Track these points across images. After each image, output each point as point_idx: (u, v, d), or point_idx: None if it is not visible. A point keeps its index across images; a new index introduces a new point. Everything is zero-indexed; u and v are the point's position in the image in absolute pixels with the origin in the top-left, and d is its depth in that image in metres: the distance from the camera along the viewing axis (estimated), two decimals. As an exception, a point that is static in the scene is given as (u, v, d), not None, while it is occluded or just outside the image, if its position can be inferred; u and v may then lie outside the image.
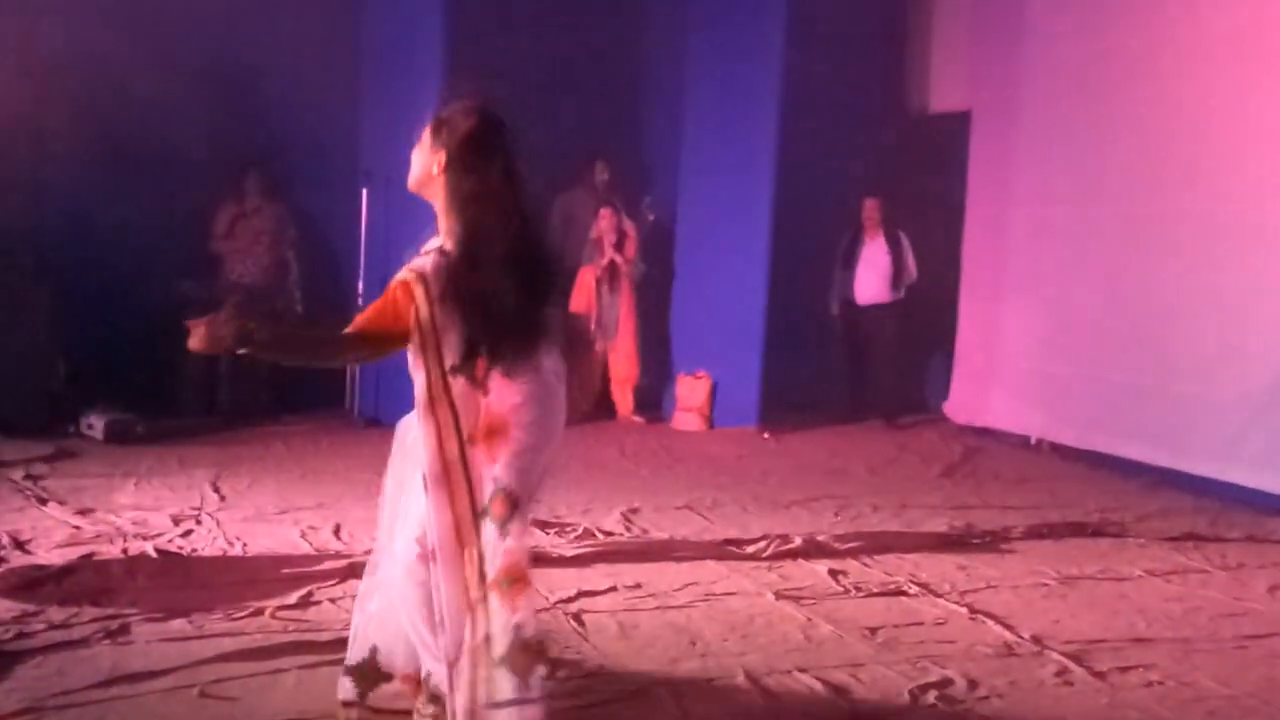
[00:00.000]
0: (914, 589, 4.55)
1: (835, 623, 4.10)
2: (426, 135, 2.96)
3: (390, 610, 2.91)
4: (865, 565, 4.87)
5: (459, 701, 2.67)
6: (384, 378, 7.82)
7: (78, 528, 4.90)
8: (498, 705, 2.63)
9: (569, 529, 5.17)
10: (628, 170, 8.97)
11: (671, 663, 3.67)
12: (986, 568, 4.91)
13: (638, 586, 4.41)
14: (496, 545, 2.67)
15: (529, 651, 2.65)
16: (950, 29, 8.98)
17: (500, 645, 2.63)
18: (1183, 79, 6.89)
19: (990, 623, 4.17)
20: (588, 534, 5.10)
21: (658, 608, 4.20)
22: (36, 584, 4.07)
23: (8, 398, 6.73)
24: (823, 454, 7.51)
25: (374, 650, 2.97)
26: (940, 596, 4.47)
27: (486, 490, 2.71)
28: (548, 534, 5.09)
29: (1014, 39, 8.20)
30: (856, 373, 8.90)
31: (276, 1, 7.63)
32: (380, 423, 7.71)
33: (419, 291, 2.78)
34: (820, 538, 5.14)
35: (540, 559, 4.67)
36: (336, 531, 5.05)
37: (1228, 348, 6.58)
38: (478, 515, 2.71)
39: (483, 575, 2.67)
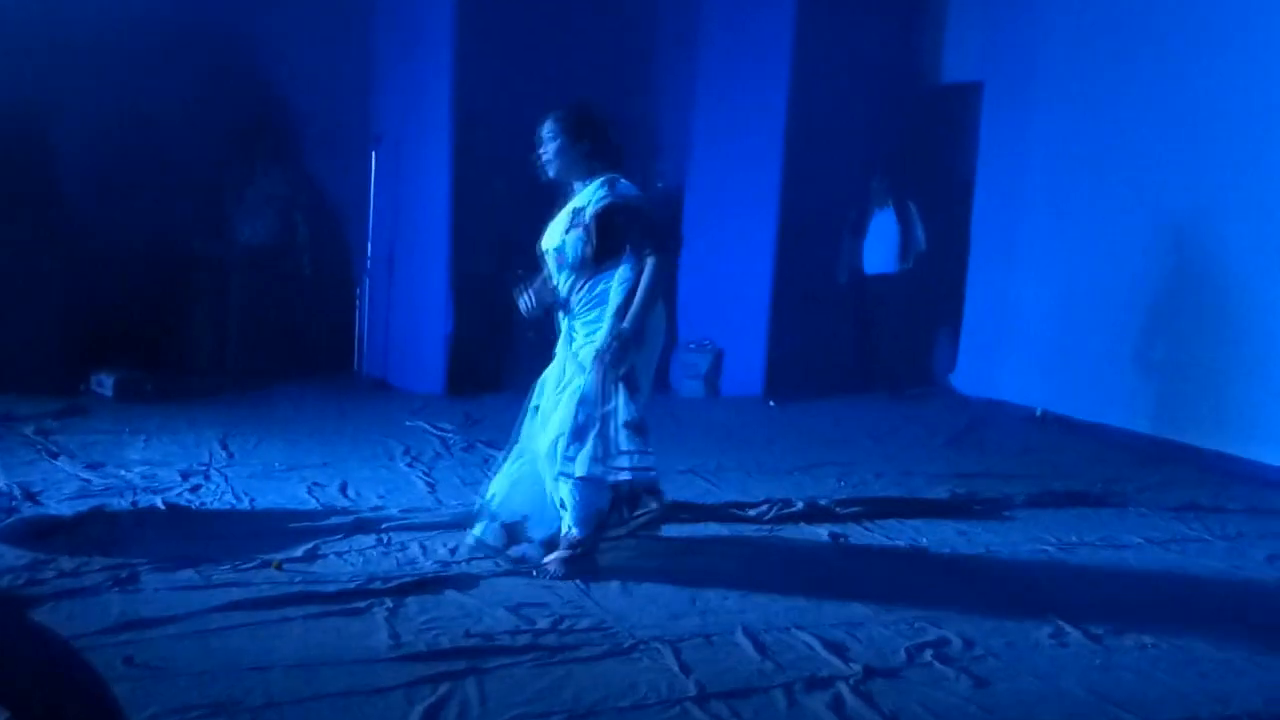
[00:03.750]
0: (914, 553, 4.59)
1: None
2: (563, 134, 4.13)
3: (536, 487, 4.17)
4: (866, 530, 4.91)
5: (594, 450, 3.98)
6: (392, 340, 7.87)
7: (88, 481, 4.97)
8: (622, 452, 4.01)
9: (573, 490, 5.21)
10: (637, 140, 8.96)
11: (671, 619, 3.72)
12: (987, 534, 4.95)
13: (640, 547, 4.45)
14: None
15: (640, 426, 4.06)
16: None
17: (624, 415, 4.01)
18: (1199, 50, 6.86)
19: (989, 586, 4.21)
20: (592, 495, 5.13)
21: (660, 569, 4.24)
22: (47, 533, 4.13)
23: (20, 355, 6.78)
24: (828, 423, 7.53)
25: (525, 518, 4.18)
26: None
27: None
28: (552, 494, 5.14)
29: (1027, 10, 8.16)
30: (864, 343, 8.91)
31: (288, -36, 7.63)
32: (388, 384, 7.78)
33: None
34: (822, 502, 5.18)
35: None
36: (343, 489, 5.10)
37: (1235, 322, 6.59)
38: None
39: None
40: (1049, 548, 4.79)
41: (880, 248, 8.62)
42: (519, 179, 8.63)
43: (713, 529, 4.79)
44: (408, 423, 6.61)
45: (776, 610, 3.84)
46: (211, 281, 7.69)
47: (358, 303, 8.00)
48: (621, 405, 4.01)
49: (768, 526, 4.87)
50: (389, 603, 3.69)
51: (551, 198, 8.92)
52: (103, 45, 7.08)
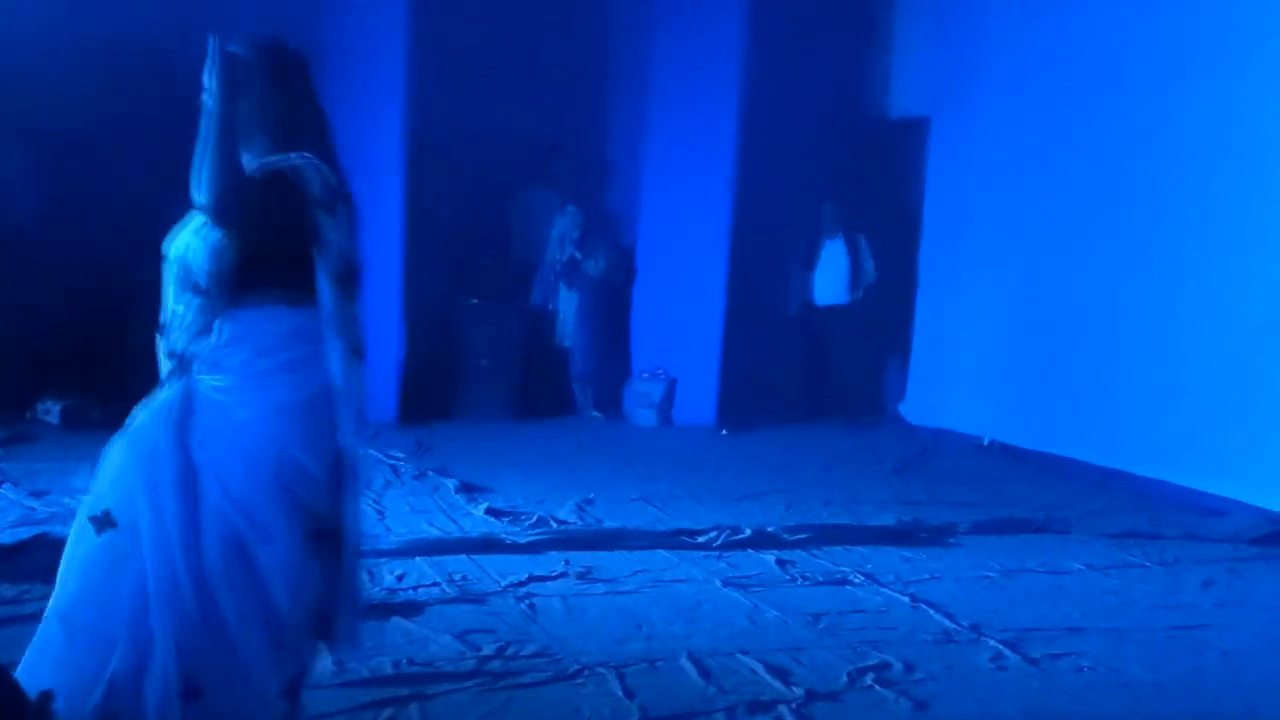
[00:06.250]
0: (859, 579, 4.65)
1: (780, 609, 4.19)
2: (260, 78, 2.65)
3: None
4: (813, 556, 4.96)
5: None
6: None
7: (31, 508, 4.93)
8: None
9: (523, 517, 5.24)
10: (589, 170, 9.05)
11: (616, 644, 3.74)
12: (931, 560, 5.02)
13: (588, 572, 4.48)
14: None
15: None
16: (910, 36, 9.12)
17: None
18: (1142, 84, 7.05)
19: (931, 611, 4.27)
20: (541, 522, 5.16)
21: (607, 593, 4.27)
22: (-6, 560, 4.09)
23: (-37, 383, 6.70)
24: (778, 451, 7.59)
25: None
26: (884, 586, 4.57)
27: None
28: (501, 521, 5.16)
29: (973, 45, 8.35)
30: (815, 373, 9.01)
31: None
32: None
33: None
34: (770, 529, 5.23)
35: (493, 545, 4.75)
36: (291, 516, 5.08)
37: (1175, 353, 6.74)
38: None
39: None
40: (992, 573, 4.87)
41: (830, 279, 8.74)
42: (471, 208, 8.75)
43: (661, 555, 4.81)
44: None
45: (721, 635, 3.88)
46: (159, 308, 7.63)
47: (310, 331, 7.96)
48: None
49: (716, 553, 4.91)
50: (334, 630, 3.68)
51: (505, 224, 9.02)
52: (47, 67, 7.04)
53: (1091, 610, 4.42)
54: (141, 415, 2.48)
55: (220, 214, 2.46)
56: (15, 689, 1.79)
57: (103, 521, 2.41)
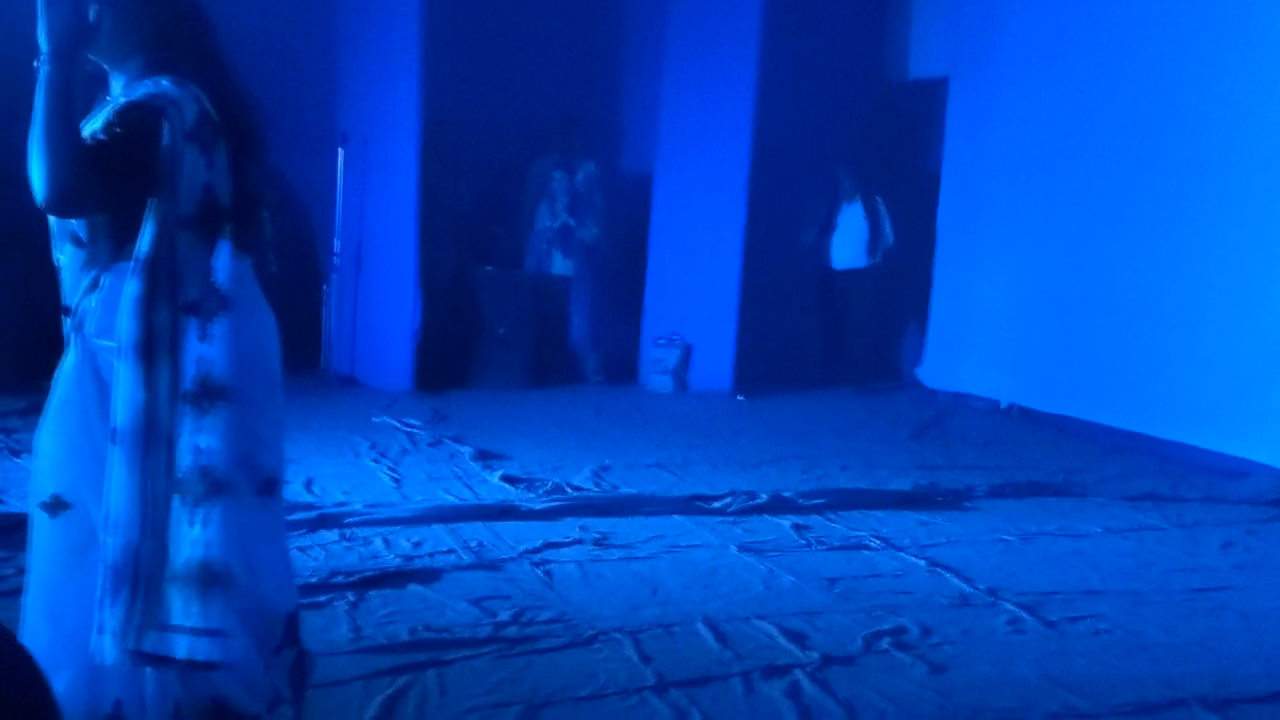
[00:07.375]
0: (875, 543, 4.64)
1: (796, 574, 4.18)
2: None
3: None
4: (829, 521, 4.95)
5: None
6: (360, 337, 7.87)
7: (50, 479, 4.95)
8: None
9: (539, 484, 5.24)
10: (604, 135, 8.99)
11: (632, 610, 3.74)
12: (948, 524, 5.00)
13: (604, 538, 4.48)
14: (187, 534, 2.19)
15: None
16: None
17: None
18: (1164, 47, 6.94)
19: (948, 575, 4.26)
20: (557, 489, 5.17)
21: (622, 559, 4.27)
22: (8, 531, 4.10)
23: (-19, 354, 6.73)
24: (795, 417, 7.58)
25: None
26: (900, 550, 4.56)
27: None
28: (517, 488, 5.17)
29: (991, 5, 8.24)
30: (832, 338, 8.98)
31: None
32: (356, 380, 7.78)
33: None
34: (786, 494, 5.22)
35: (509, 512, 4.76)
36: (308, 485, 5.09)
37: (1193, 315, 6.68)
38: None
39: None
40: (1009, 537, 4.85)
41: (848, 243, 8.69)
42: (486, 177, 8.71)
43: (677, 521, 4.81)
44: (375, 419, 6.60)
45: (738, 600, 3.87)
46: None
47: (325, 300, 7.99)
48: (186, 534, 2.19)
49: (732, 518, 4.91)
50: (351, 596, 3.70)
51: (519, 194, 8.98)
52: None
53: (1110, 573, 4.41)
54: (57, 391, 2.29)
55: (66, 207, 2.13)
56: (34, 669, 1.78)
57: (53, 505, 2.25)
